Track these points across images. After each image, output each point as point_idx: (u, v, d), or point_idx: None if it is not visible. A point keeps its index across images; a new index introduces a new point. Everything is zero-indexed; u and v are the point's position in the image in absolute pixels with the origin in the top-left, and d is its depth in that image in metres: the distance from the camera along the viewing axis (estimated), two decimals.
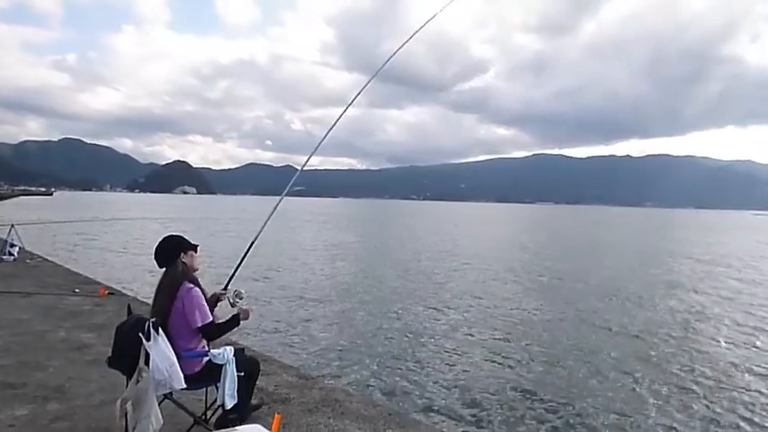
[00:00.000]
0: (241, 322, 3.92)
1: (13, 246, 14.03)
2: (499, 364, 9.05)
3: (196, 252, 3.98)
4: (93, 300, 9.04)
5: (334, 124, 5.36)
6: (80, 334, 6.71)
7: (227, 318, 3.84)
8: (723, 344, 10.99)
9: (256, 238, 4.49)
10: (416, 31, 5.75)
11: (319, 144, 5.33)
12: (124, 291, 10.93)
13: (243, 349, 3.99)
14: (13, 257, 13.42)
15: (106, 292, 9.83)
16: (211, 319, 3.72)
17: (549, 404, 7.23)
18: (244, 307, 3.93)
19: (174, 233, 4.00)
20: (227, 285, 4.27)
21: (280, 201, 5.01)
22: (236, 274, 4.44)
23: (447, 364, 8.94)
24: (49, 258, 15.33)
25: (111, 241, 29.64)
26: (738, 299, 16.48)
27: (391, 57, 5.62)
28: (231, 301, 4.02)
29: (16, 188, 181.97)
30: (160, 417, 3.35)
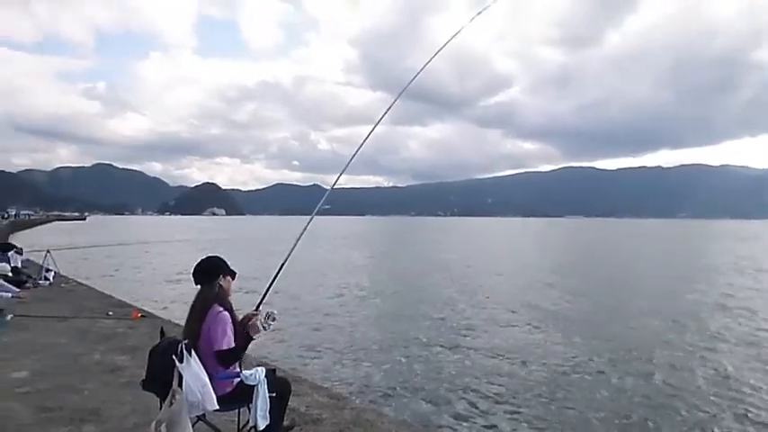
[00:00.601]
0: (255, 337, 3.87)
1: (48, 270, 14.34)
2: (534, 381, 8.85)
3: (233, 278, 4.01)
4: (126, 322, 9.16)
5: (362, 144, 5.35)
6: (114, 356, 6.78)
7: (240, 342, 3.79)
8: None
9: (287, 258, 4.42)
10: (441, 48, 5.75)
11: (348, 163, 5.31)
12: (157, 313, 11.04)
13: (274, 370, 3.95)
14: (48, 282, 13.70)
15: (139, 314, 9.94)
16: (229, 346, 3.66)
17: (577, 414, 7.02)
18: (254, 324, 3.82)
19: (215, 255, 4.03)
20: (258, 306, 4.25)
21: (310, 220, 4.97)
22: (268, 294, 4.40)
23: (482, 384, 8.76)
24: (84, 282, 15.60)
25: (143, 264, 30.15)
26: None
27: (417, 75, 5.63)
28: (263, 323, 4.00)
29: (51, 213, 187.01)
30: None
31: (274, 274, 4.42)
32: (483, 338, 12.18)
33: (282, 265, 4.42)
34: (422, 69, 5.65)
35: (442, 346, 11.40)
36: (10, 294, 11.29)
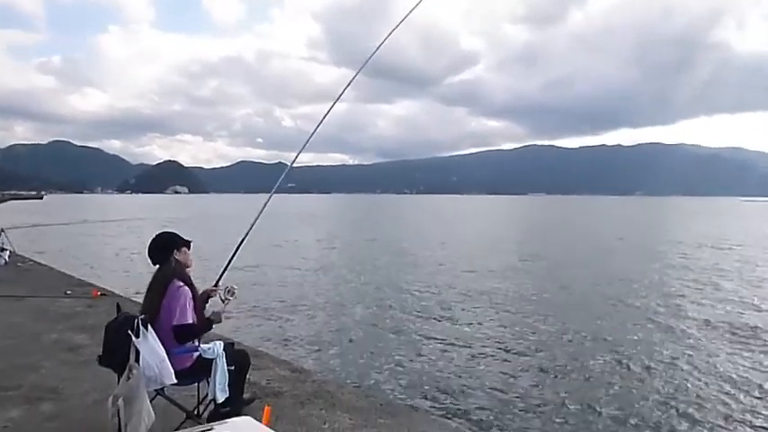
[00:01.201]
0: (223, 320, 3.96)
1: (3, 250, 14.00)
2: (493, 356, 9.10)
3: (189, 249, 4.00)
4: (85, 301, 9.06)
5: (322, 121, 5.39)
6: (73, 335, 6.74)
7: (202, 320, 3.86)
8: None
9: (246, 234, 4.48)
10: (402, 20, 5.77)
11: (308, 140, 5.35)
12: (117, 292, 10.92)
13: (233, 343, 4.05)
14: (4, 261, 13.39)
15: (98, 293, 9.84)
16: (189, 321, 3.70)
17: (542, 398, 7.30)
18: (216, 310, 3.93)
19: (167, 230, 4.02)
20: (218, 281, 4.30)
21: (269, 198, 5.01)
22: (228, 270, 4.44)
23: (440, 355, 9.01)
24: (41, 262, 15.29)
25: (103, 243, 29.56)
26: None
27: (377, 49, 5.65)
28: (222, 297, 4.06)
29: (6, 192, 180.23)
30: (152, 412, 3.40)
31: (233, 250, 4.48)
32: (448, 313, 12.43)
33: (242, 242, 4.48)
34: (383, 42, 5.67)
35: (407, 320, 11.62)
36: None
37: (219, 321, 3.94)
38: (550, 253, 25.54)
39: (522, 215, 78.06)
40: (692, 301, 14.10)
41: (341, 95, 5.55)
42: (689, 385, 7.70)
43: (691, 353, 9.36)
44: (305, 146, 5.39)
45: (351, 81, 5.71)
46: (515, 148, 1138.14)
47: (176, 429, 3.71)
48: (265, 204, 4.80)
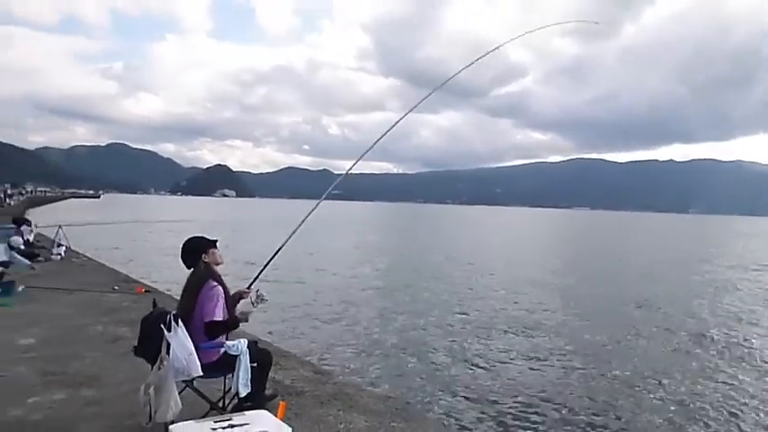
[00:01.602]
0: (242, 323, 4.22)
1: (60, 245, 14.82)
2: (518, 371, 9.15)
3: (216, 248, 4.28)
4: (131, 297, 9.57)
5: (385, 133, 5.55)
6: (116, 328, 7.18)
7: (232, 318, 4.13)
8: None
9: (285, 242, 4.67)
10: (483, 56, 6.10)
11: (365, 153, 5.52)
12: (160, 289, 11.46)
13: (256, 342, 4.31)
14: (60, 256, 14.18)
15: (143, 290, 10.36)
16: (219, 318, 3.97)
17: (559, 407, 7.33)
18: (244, 310, 4.17)
19: (194, 235, 4.33)
20: (250, 284, 4.56)
21: (317, 205, 5.16)
22: (263, 274, 4.64)
23: (462, 365, 9.13)
24: (94, 258, 16.07)
25: (153, 242, 30.72)
26: None
27: (454, 75, 6.08)
28: (253, 300, 4.33)
29: (66, 191, 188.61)
30: (179, 401, 3.71)
31: (271, 255, 4.70)
32: (475, 323, 12.53)
33: (280, 248, 4.63)
34: (463, 69, 6.10)
35: (434, 328, 11.78)
36: (23, 266, 11.75)
37: (246, 321, 4.21)
38: (581, 269, 25.13)
39: (562, 229, 76.57)
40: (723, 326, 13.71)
41: (409, 113, 5.82)
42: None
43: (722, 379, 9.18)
44: (362, 156, 5.53)
45: (421, 101, 5.90)
46: (561, 161, 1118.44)
47: (200, 417, 3.97)
48: (311, 212, 4.95)
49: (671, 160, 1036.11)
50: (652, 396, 7.99)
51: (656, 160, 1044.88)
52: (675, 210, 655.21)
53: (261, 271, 4.69)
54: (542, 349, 10.46)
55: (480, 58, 6.14)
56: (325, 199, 5.35)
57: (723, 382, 8.81)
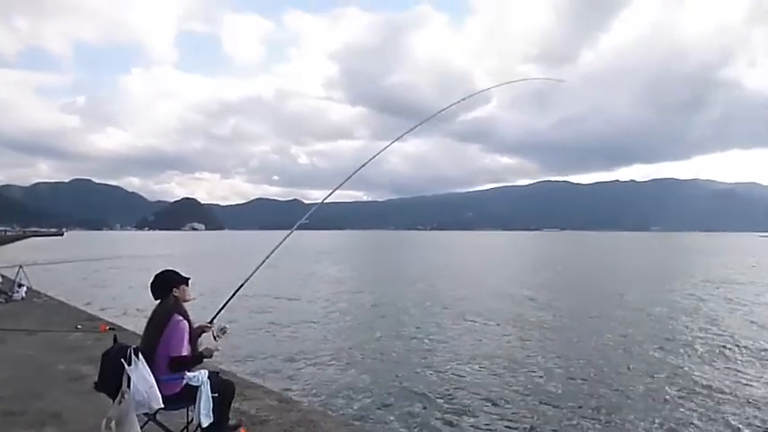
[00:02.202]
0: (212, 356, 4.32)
1: (21, 286, 14.54)
2: (490, 391, 9.34)
3: (188, 285, 4.38)
4: (94, 335, 9.49)
5: (365, 164, 5.84)
6: (80, 366, 7.15)
7: (195, 353, 4.21)
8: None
9: (250, 277, 4.78)
10: (469, 96, 6.53)
11: (344, 182, 5.66)
12: (124, 326, 11.33)
13: (217, 372, 4.42)
14: (21, 296, 13.92)
15: (107, 327, 10.27)
16: (183, 354, 4.06)
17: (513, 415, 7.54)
18: (208, 346, 4.28)
19: (167, 268, 4.41)
20: (213, 319, 4.66)
21: (287, 236, 5.24)
22: (229, 304, 4.71)
23: (429, 386, 9.27)
24: (56, 297, 15.80)
25: (117, 279, 30.16)
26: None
27: (445, 109, 6.46)
28: (215, 334, 4.44)
29: (27, 230, 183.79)
30: None
31: (235, 289, 4.77)
32: (441, 343, 12.76)
33: (244, 282, 4.71)
34: (455, 104, 6.61)
35: (398, 353, 11.93)
36: None
37: (210, 357, 4.32)
38: (553, 286, 25.60)
39: (532, 250, 77.73)
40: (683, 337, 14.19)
41: (393, 143, 6.18)
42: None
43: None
44: (339, 186, 5.66)
45: (408, 131, 6.30)
46: (529, 184, 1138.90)
47: None
48: (278, 246, 5.03)
49: (632, 180, 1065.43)
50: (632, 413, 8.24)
51: (618, 180, 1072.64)
52: (638, 228, 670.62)
53: (224, 305, 4.75)
54: (513, 368, 10.64)
55: (466, 98, 6.58)
56: (295, 229, 5.48)
57: (696, 383, 9.14)
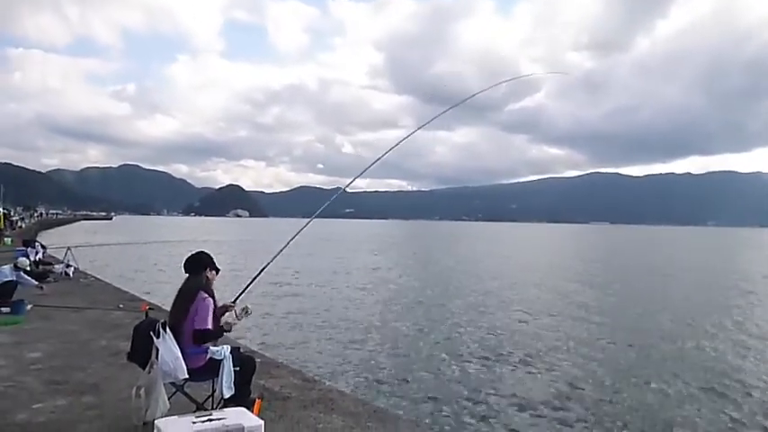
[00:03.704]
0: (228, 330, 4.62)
1: (69, 266, 15.30)
2: (514, 376, 9.39)
3: (217, 273, 4.73)
4: (134, 314, 9.92)
5: (390, 149, 5.96)
6: (119, 342, 7.53)
7: (218, 328, 4.49)
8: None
9: (273, 259, 5.09)
10: (505, 81, 6.59)
11: (366, 169, 5.86)
12: (164, 306, 11.82)
13: (239, 348, 4.67)
14: (69, 277, 14.67)
15: (147, 307, 10.72)
16: (207, 327, 4.33)
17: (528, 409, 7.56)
18: (229, 321, 4.57)
19: (204, 250, 4.75)
20: (236, 299, 4.92)
21: (307, 223, 5.49)
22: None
23: (453, 374, 9.40)
24: (101, 278, 16.54)
25: (160, 262, 31.32)
26: None
27: (476, 94, 6.49)
28: (238, 314, 4.69)
29: (78, 213, 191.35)
30: (167, 402, 4.12)
31: (257, 272, 5.07)
32: (475, 341, 12.76)
33: (266, 265, 5.04)
34: (485, 90, 6.62)
35: (425, 343, 12.10)
36: (30, 286, 12.19)
37: (230, 331, 4.63)
38: (599, 281, 25.18)
39: (580, 244, 76.26)
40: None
41: (420, 128, 6.44)
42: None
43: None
44: (363, 173, 5.87)
45: (436, 116, 6.35)
46: (578, 176, 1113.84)
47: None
48: (301, 230, 5.29)
49: (688, 173, 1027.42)
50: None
51: (672, 173, 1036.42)
52: (693, 222, 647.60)
53: (247, 286, 5.07)
54: (539, 360, 10.65)
55: (496, 84, 6.58)
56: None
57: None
